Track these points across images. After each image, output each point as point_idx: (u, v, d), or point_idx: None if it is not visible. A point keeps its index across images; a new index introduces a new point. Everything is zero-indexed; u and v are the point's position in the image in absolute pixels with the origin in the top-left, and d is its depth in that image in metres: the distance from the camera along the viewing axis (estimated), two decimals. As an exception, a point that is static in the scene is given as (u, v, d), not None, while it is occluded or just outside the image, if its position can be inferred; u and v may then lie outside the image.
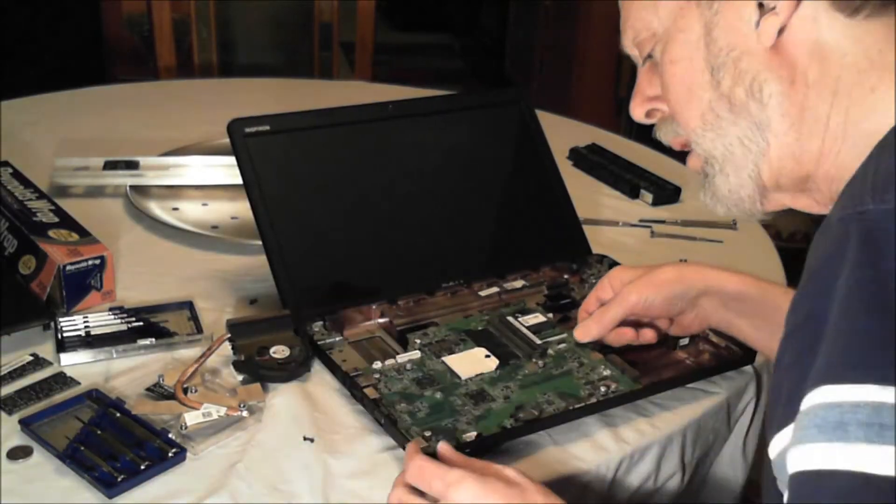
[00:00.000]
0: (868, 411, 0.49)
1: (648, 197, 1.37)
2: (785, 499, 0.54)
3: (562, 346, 0.95)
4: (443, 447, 0.76)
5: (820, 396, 0.51)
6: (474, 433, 0.82)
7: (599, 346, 0.95)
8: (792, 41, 0.63)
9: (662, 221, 1.31)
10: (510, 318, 0.99)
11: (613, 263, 1.10)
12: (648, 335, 0.93)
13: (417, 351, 0.93)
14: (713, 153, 0.69)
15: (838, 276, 0.52)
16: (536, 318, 0.99)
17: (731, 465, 0.99)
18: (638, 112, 0.75)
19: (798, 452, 0.52)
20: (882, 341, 0.49)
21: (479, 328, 0.98)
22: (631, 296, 0.90)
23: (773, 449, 0.56)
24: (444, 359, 0.92)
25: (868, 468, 0.48)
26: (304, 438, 0.83)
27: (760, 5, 0.63)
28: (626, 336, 0.92)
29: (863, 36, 0.61)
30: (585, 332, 0.91)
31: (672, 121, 0.72)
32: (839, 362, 0.51)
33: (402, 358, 0.91)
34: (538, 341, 0.95)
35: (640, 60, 0.73)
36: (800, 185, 0.67)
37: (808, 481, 0.51)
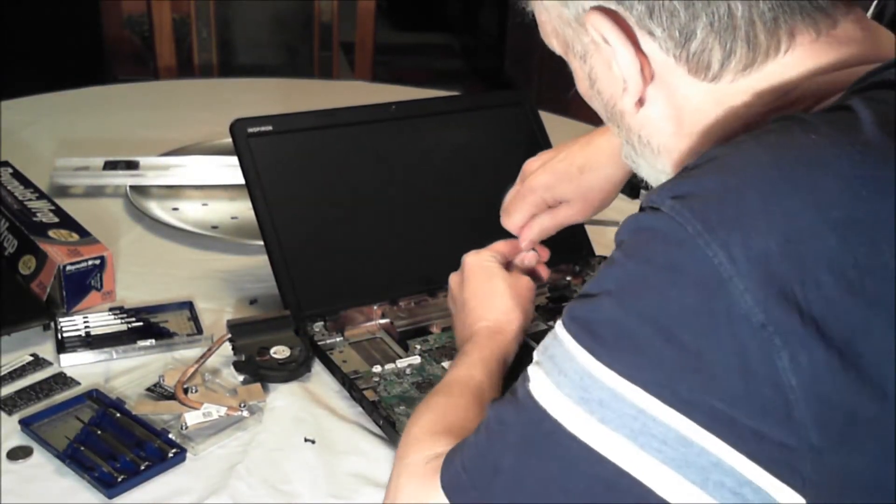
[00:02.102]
0: (557, 350, 0.57)
1: (649, 197, 1.37)
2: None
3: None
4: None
5: (558, 325, 0.58)
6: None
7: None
8: (663, 102, 0.63)
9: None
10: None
11: (614, 264, 1.09)
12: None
13: (417, 357, 0.92)
14: (631, 167, 0.72)
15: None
16: (536, 325, 0.99)
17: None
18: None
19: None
20: (588, 308, 0.56)
21: (480, 331, 0.98)
22: (574, 219, 0.98)
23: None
24: (444, 364, 0.91)
25: (533, 387, 0.58)
26: (306, 440, 0.83)
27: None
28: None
29: (733, 94, 0.61)
30: (508, 218, 1.00)
31: None
32: (570, 309, 0.57)
33: (403, 362, 0.91)
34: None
35: None
36: None
37: (529, 370, 0.59)
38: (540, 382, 0.57)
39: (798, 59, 0.60)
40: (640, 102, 0.64)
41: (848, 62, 0.60)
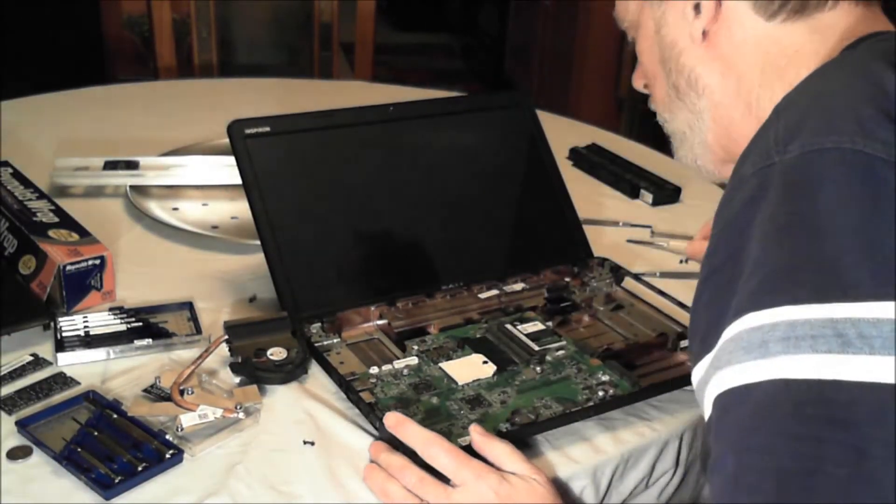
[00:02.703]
0: (784, 328, 0.55)
1: (648, 197, 1.37)
2: (706, 417, 0.61)
3: (560, 352, 0.95)
4: (477, 428, 0.79)
5: (742, 324, 0.57)
6: (470, 438, 0.81)
7: (599, 351, 0.95)
8: (720, 39, 0.74)
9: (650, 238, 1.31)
10: (508, 326, 0.99)
11: (615, 266, 1.10)
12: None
13: (415, 357, 0.93)
14: (671, 131, 0.82)
15: (755, 218, 0.59)
16: (535, 325, 0.99)
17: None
18: (637, 83, 0.86)
19: (723, 374, 0.58)
20: (792, 265, 0.56)
21: (478, 336, 0.98)
22: None
23: (694, 380, 0.63)
24: (441, 364, 0.92)
25: (786, 374, 0.55)
26: (305, 442, 0.83)
27: (696, 7, 0.74)
28: None
29: (781, 36, 0.72)
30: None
31: None
32: (758, 291, 0.57)
33: (400, 363, 0.91)
34: (536, 348, 0.95)
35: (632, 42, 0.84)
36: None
37: (733, 395, 0.58)
38: (785, 364, 0.55)
39: (839, 16, 0.71)
40: (704, 35, 0.74)
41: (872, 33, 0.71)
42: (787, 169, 0.59)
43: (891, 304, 0.53)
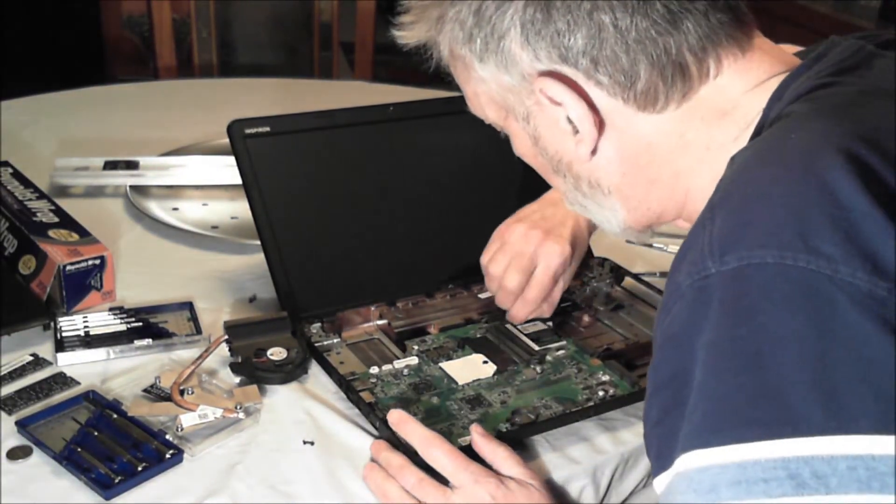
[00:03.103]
0: (734, 470, 0.51)
1: (648, 198, 1.37)
2: None
3: (560, 352, 0.95)
4: (478, 429, 0.79)
5: (691, 461, 0.53)
6: (470, 438, 0.81)
7: (599, 351, 0.95)
8: (612, 147, 0.69)
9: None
10: (509, 326, 0.99)
11: (615, 266, 1.10)
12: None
13: (415, 357, 0.93)
14: (587, 217, 0.78)
15: (697, 338, 0.55)
16: (535, 325, 0.99)
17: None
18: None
19: None
20: (736, 399, 0.52)
21: (478, 336, 0.98)
22: (553, 259, 0.96)
23: (656, 490, 0.58)
24: (441, 364, 0.92)
25: None
26: (304, 442, 0.83)
27: (570, 122, 0.67)
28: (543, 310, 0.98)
29: (681, 120, 0.67)
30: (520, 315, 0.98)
31: None
32: (703, 426, 0.53)
33: (400, 363, 0.91)
34: (536, 348, 0.95)
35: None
36: (676, 219, 0.74)
37: None
38: None
39: (729, 79, 0.66)
40: (594, 151, 0.68)
41: (773, 71, 0.67)
42: (725, 284, 0.54)
43: (842, 438, 0.50)
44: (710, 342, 0.54)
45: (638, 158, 0.69)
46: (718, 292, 0.54)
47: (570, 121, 0.67)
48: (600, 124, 0.67)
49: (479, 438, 0.78)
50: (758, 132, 0.65)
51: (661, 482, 0.57)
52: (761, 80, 0.67)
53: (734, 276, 0.53)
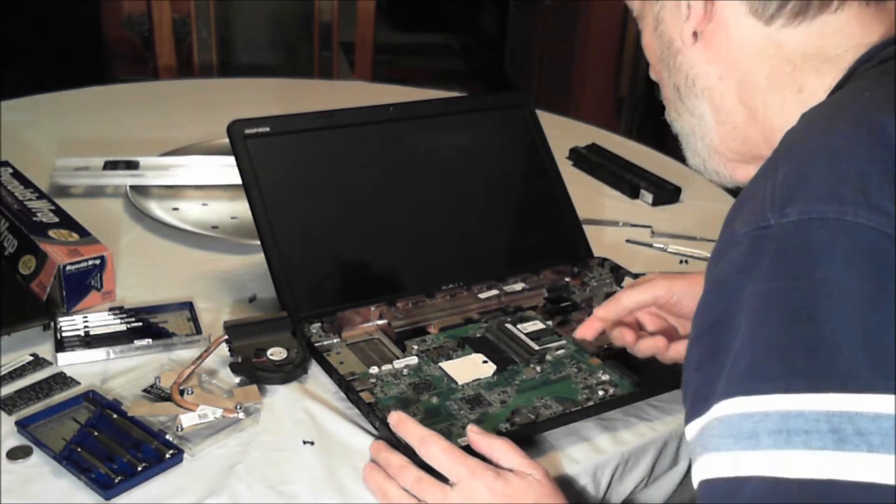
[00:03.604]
0: (776, 419, 0.52)
1: (648, 197, 1.37)
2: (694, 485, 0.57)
3: (560, 351, 0.95)
4: (474, 428, 0.78)
5: (732, 407, 0.54)
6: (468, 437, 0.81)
7: (599, 350, 0.95)
8: (716, 41, 0.70)
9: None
10: (509, 325, 0.99)
11: (615, 266, 1.10)
12: (649, 345, 0.89)
13: (415, 357, 0.93)
14: (677, 131, 0.78)
15: (747, 286, 0.55)
16: (535, 325, 0.99)
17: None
18: (652, 74, 0.81)
19: (709, 459, 0.55)
20: (785, 350, 0.52)
21: (478, 335, 0.98)
22: (658, 284, 0.89)
23: (686, 437, 0.59)
24: (441, 364, 0.92)
25: (777, 472, 0.51)
26: (304, 442, 0.83)
27: (688, 6, 0.70)
28: (626, 337, 0.90)
29: (783, 41, 0.68)
30: (602, 308, 0.91)
31: None
32: (748, 374, 0.53)
33: (400, 363, 0.91)
34: (536, 347, 0.95)
35: None
36: (760, 160, 0.68)
37: (720, 487, 0.54)
38: (776, 460, 0.51)
39: (847, 19, 0.66)
40: (695, 37, 0.70)
41: (886, 33, 0.66)
42: (783, 236, 0.54)
43: (891, 398, 0.50)
44: (763, 291, 0.54)
45: (734, 66, 0.70)
46: (776, 243, 0.54)
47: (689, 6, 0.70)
48: (711, 11, 0.69)
49: (475, 436, 0.78)
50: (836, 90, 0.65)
51: (693, 428, 0.57)
52: (872, 40, 0.66)
53: (794, 228, 0.54)
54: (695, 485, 0.57)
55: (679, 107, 0.75)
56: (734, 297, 0.56)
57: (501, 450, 0.76)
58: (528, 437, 0.84)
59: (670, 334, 0.91)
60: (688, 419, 0.58)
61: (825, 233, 0.52)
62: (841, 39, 0.66)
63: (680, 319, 0.92)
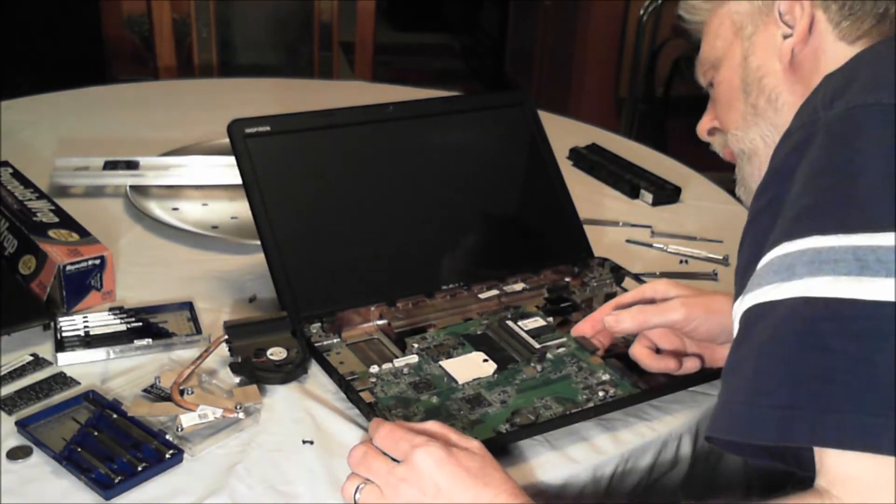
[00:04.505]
0: (811, 254, 0.61)
1: (648, 197, 1.37)
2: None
3: (561, 349, 0.95)
4: (400, 423, 0.78)
5: (775, 252, 0.63)
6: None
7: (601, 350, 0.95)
8: (803, 62, 0.80)
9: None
10: (509, 322, 0.99)
11: (615, 266, 1.10)
12: (662, 365, 0.91)
13: (415, 355, 0.93)
14: (742, 147, 0.86)
15: (798, 167, 0.65)
16: (536, 321, 0.99)
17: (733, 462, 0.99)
18: (702, 129, 0.93)
19: (751, 295, 0.64)
20: (824, 201, 0.62)
21: (478, 332, 0.98)
22: (677, 309, 0.90)
23: (734, 314, 0.68)
24: (441, 363, 0.92)
25: (808, 293, 0.60)
26: (304, 442, 0.83)
27: (784, 36, 0.80)
28: (669, 365, 0.91)
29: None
30: (618, 320, 0.91)
31: (721, 133, 0.90)
32: (792, 223, 0.63)
33: (400, 362, 0.91)
34: (537, 345, 0.95)
35: (707, 87, 0.91)
36: None
37: (758, 310, 0.63)
38: (808, 285, 0.60)
39: None
40: (792, 62, 0.80)
41: None
42: (830, 122, 0.64)
43: None
44: (809, 163, 0.64)
45: (817, 81, 0.74)
46: (824, 128, 0.64)
47: (785, 38, 0.80)
48: (808, 33, 0.78)
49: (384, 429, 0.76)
50: None
51: (738, 306, 0.67)
52: None
53: (840, 117, 0.63)
54: (735, 325, 0.67)
55: (751, 122, 0.84)
56: (788, 175, 0.65)
57: (437, 426, 0.76)
58: (528, 438, 0.84)
59: (681, 352, 0.93)
60: (737, 294, 0.68)
61: (865, 114, 0.62)
62: None
63: (692, 339, 0.93)
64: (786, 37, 0.80)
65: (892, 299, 0.57)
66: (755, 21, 0.83)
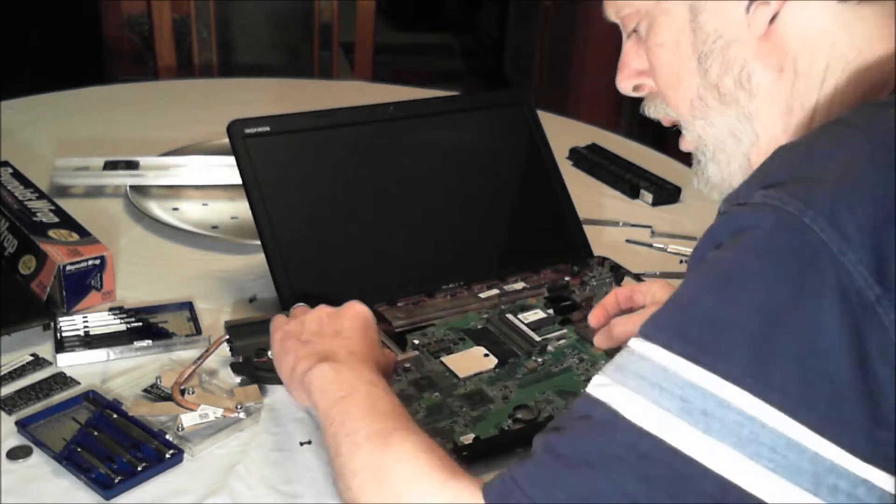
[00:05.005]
0: (647, 367, 0.54)
1: (648, 197, 1.37)
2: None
3: (562, 342, 0.95)
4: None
5: (633, 342, 0.57)
6: (472, 436, 0.81)
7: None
8: (782, 29, 0.61)
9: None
10: (509, 316, 0.98)
11: (615, 266, 1.10)
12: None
13: (416, 352, 0.92)
14: (704, 141, 0.69)
15: (706, 255, 0.57)
16: (536, 314, 0.99)
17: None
18: (625, 86, 0.73)
19: (596, 377, 0.58)
20: (687, 313, 0.55)
21: (479, 327, 0.98)
22: (660, 289, 0.90)
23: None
24: (442, 359, 0.92)
25: (622, 410, 0.54)
26: (301, 443, 0.83)
27: None
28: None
29: (853, 23, 0.60)
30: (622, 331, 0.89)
31: (661, 99, 0.71)
32: (653, 321, 0.56)
33: (401, 359, 0.91)
34: (537, 338, 0.95)
35: (624, 32, 0.72)
36: None
37: (585, 401, 0.57)
38: (628, 400, 0.54)
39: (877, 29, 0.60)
40: (768, 30, 0.62)
41: None
42: (742, 214, 0.55)
43: (744, 394, 0.50)
44: (708, 258, 0.56)
45: (800, 56, 0.61)
46: (734, 221, 0.55)
47: None
48: None
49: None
50: None
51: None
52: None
53: (753, 210, 0.54)
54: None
55: (714, 112, 0.66)
56: (695, 262, 0.58)
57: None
58: (530, 434, 0.84)
59: None
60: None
61: (777, 221, 0.52)
62: (876, 48, 0.60)
63: None
64: None
65: (696, 458, 0.51)
66: None
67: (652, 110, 0.73)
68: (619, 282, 1.09)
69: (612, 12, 0.71)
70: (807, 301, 0.50)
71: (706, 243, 0.57)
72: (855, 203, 0.51)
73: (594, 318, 0.93)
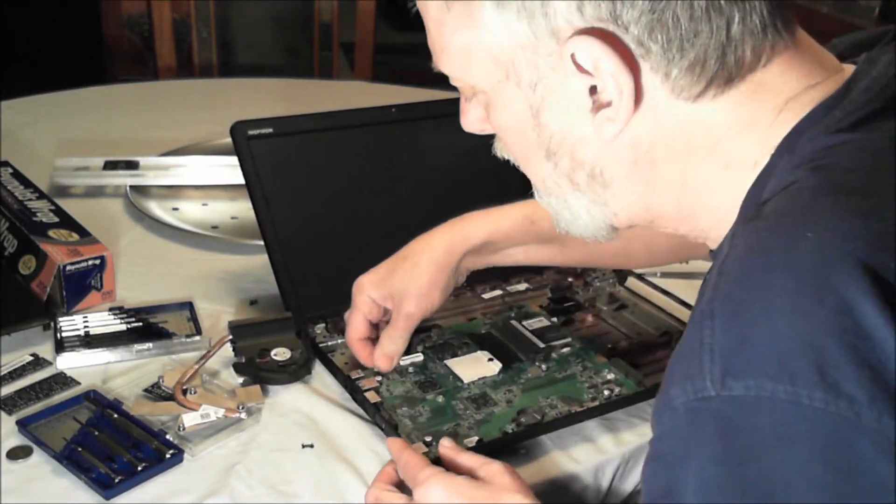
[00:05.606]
0: None
1: (650, 198, 1.37)
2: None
3: (566, 349, 0.95)
4: (445, 441, 0.76)
5: None
6: (476, 438, 0.81)
7: (605, 349, 0.94)
8: (633, 134, 0.57)
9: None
10: (514, 322, 0.98)
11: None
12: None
13: (420, 354, 0.92)
14: (558, 214, 0.65)
15: (689, 465, 0.48)
16: (540, 321, 0.99)
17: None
18: (471, 130, 0.69)
19: None
20: None
21: (483, 332, 0.98)
22: (413, 314, 0.88)
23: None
24: (446, 362, 0.91)
25: None
26: (303, 446, 0.82)
27: (593, 88, 0.56)
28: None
29: (707, 116, 0.57)
30: (384, 363, 0.89)
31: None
32: None
33: (405, 361, 0.91)
34: (542, 345, 0.95)
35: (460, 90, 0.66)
36: (675, 229, 0.64)
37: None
38: None
39: (774, 72, 0.56)
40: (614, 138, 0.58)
41: (811, 80, 0.57)
42: (726, 414, 0.47)
43: None
44: (711, 476, 0.47)
45: (656, 151, 0.58)
46: (719, 422, 0.47)
47: (593, 94, 0.56)
48: (637, 101, 0.56)
49: (446, 452, 0.75)
50: (761, 181, 0.56)
51: None
52: (796, 92, 0.56)
53: (739, 406, 0.46)
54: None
55: (566, 194, 0.62)
56: (677, 475, 0.49)
57: (471, 461, 0.73)
58: (533, 438, 0.84)
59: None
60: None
61: (776, 415, 0.45)
62: (768, 97, 0.56)
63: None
64: (593, 91, 0.56)
65: None
66: (534, 64, 0.56)
67: (499, 151, 0.68)
68: (622, 282, 1.09)
69: (441, 68, 0.64)
70: (858, 479, 0.45)
71: (676, 447, 0.50)
72: (836, 358, 0.45)
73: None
